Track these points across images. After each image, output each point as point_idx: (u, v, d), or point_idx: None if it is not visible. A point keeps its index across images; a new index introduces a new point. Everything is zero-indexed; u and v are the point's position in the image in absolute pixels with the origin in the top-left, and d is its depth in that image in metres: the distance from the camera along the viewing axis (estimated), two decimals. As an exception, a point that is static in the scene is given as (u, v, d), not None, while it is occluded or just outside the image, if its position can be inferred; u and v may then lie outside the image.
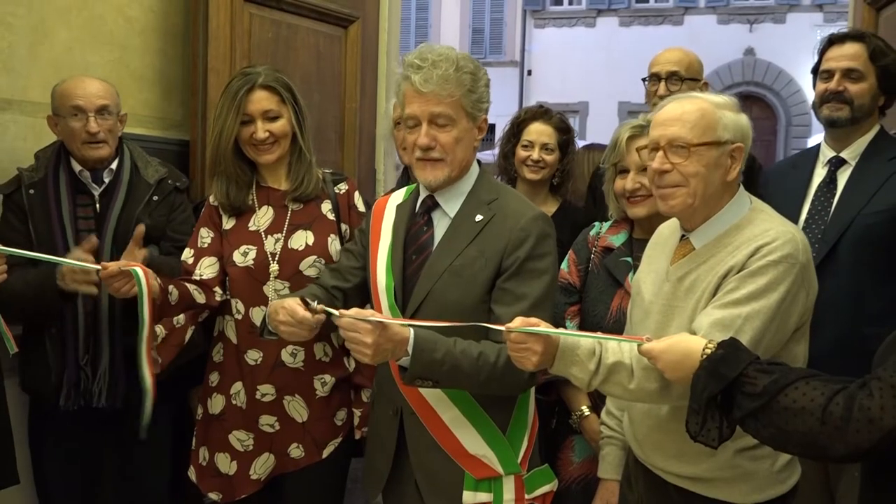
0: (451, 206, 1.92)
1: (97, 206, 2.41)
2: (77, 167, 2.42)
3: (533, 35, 18.26)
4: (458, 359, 1.74)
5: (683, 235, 1.80)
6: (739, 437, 1.59)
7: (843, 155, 2.45)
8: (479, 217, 1.88)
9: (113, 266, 1.99)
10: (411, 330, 1.72)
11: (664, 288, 1.79)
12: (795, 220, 2.35)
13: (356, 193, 2.37)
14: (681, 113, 1.71)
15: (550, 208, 2.86)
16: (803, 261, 1.64)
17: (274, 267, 2.21)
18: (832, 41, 2.49)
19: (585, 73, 17.12)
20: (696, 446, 1.48)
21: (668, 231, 1.89)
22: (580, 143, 3.38)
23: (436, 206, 1.93)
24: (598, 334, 1.78)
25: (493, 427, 1.89)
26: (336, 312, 1.70)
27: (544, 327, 1.62)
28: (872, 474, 1.40)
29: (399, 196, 2.06)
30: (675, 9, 17.22)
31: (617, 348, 1.66)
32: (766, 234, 1.66)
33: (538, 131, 2.84)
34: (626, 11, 17.51)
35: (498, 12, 18.37)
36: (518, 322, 1.61)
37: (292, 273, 2.21)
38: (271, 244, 2.23)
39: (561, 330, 1.68)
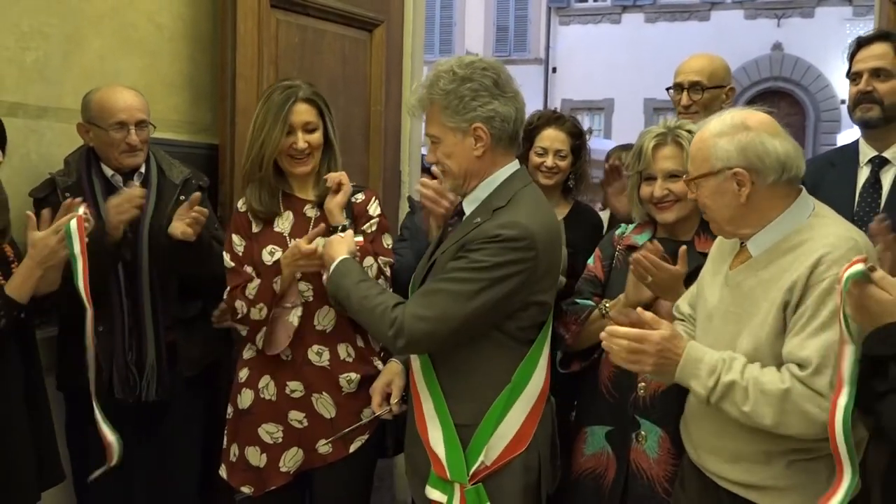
0: (469, 210, 1.99)
1: None
2: (108, 171, 2.49)
3: (558, 32, 18.19)
4: (352, 293, 1.96)
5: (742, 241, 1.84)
6: (796, 446, 1.61)
7: (886, 155, 2.43)
8: (477, 220, 1.92)
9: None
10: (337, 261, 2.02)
11: (724, 293, 1.83)
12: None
13: (373, 199, 2.42)
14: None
15: (563, 210, 2.88)
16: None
17: None
18: (860, 44, 2.47)
19: (611, 70, 17.01)
20: (751, 454, 1.48)
21: None
22: (609, 143, 3.36)
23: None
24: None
25: (451, 428, 1.91)
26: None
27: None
28: None
29: None
30: (701, 4, 17.05)
31: (739, 368, 1.68)
32: (827, 241, 1.66)
33: (552, 138, 2.85)
34: (652, 8, 17.38)
35: (522, 10, 18.32)
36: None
37: (312, 274, 2.26)
38: None
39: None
